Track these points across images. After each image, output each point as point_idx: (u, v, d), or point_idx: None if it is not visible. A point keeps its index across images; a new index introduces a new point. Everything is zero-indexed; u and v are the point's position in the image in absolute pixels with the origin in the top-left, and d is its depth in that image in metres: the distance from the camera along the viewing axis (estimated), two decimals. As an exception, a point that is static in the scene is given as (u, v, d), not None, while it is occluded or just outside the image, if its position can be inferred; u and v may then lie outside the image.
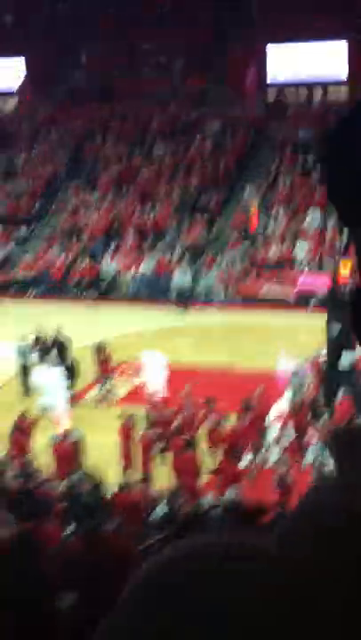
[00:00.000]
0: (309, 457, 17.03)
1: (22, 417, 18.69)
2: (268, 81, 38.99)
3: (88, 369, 22.34)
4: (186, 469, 17.05)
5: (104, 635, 0.88)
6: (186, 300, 29.41)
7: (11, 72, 44.12)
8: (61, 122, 40.15)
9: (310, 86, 38.30)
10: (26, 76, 43.69)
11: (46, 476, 15.26)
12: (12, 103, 43.74)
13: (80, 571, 6.01)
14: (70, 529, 12.15)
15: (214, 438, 17.66)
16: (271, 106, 37.89)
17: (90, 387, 22.84)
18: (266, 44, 38.63)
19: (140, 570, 0.89)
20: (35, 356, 22.64)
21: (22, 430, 18.24)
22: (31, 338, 23.03)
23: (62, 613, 5.53)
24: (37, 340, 23.12)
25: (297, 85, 38.59)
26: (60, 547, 8.53)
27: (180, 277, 29.55)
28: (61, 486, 15.17)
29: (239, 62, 38.56)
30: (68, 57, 42.73)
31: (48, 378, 20.48)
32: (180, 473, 16.98)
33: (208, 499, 14.47)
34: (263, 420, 18.80)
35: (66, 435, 17.89)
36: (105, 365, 22.25)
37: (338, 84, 37.60)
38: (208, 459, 17.32)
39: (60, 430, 18.54)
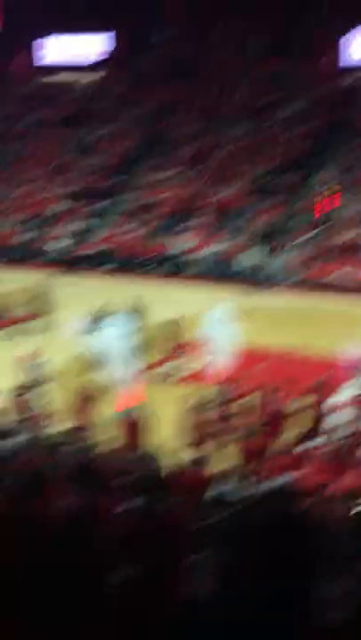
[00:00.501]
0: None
1: (86, 390, 18.87)
2: (347, 64, 38.45)
3: (157, 346, 22.44)
4: (250, 453, 17.06)
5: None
6: (256, 281, 29.33)
7: (90, 49, 44.43)
8: (138, 99, 40.20)
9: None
10: (105, 53, 43.90)
11: (108, 450, 15.39)
12: (90, 79, 43.96)
13: (135, 547, 6.07)
14: (129, 504, 12.26)
15: (281, 423, 17.60)
16: (349, 89, 37.34)
17: (158, 364, 22.96)
18: (346, 28, 38.12)
19: None
20: (104, 331, 22.76)
21: (86, 403, 18.42)
22: (101, 312, 23.16)
23: (116, 589, 5.60)
24: (107, 314, 23.22)
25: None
26: (117, 522, 8.63)
27: (251, 258, 29.44)
28: (122, 461, 15.30)
29: (317, 45, 38.15)
30: (147, 35, 42.76)
31: (117, 353, 20.58)
32: (245, 456, 16.99)
33: (271, 482, 14.45)
34: (330, 405, 18.67)
35: (131, 410, 18.02)
36: (173, 343, 22.32)
37: None
38: (274, 442, 17.27)
39: (126, 406, 18.66)
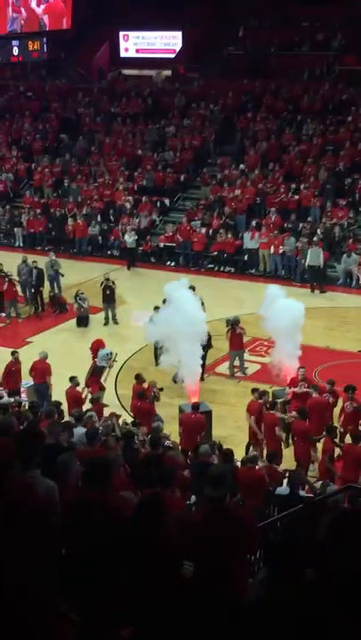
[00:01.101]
0: None
1: (142, 380, 19.00)
2: None
3: (221, 343, 22.51)
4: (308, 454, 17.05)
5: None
6: (321, 281, 29.19)
7: (167, 44, 44.62)
8: (213, 95, 40.23)
9: None
10: (181, 49, 44.02)
11: (173, 444, 15.51)
12: (165, 74, 44.14)
13: (200, 540, 6.14)
14: (193, 498, 12.38)
15: (347, 424, 17.53)
16: None
17: (221, 361, 23.03)
18: None
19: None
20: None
21: (138, 395, 18.55)
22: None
23: (181, 581, 5.68)
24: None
25: None
26: (183, 515, 8.72)
27: (314, 258, 29.28)
28: (187, 456, 15.42)
29: None
30: (225, 30, 42.75)
31: (181, 348, 20.60)
32: (302, 456, 16.97)
33: (332, 484, 14.42)
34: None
35: (195, 406, 18.11)
36: (237, 340, 22.34)
37: None
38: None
39: (190, 401, 18.76)
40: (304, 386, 18.67)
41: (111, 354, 20.89)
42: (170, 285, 20.93)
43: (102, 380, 20.58)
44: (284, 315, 19.78)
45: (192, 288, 21.95)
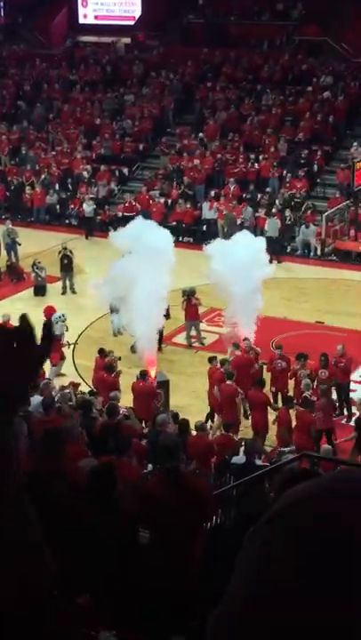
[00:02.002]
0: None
1: (105, 354, 18.97)
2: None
3: (178, 313, 22.51)
4: (269, 422, 17.17)
5: (256, 538, 0.97)
6: (279, 252, 29.23)
7: (126, 11, 44.15)
8: (173, 64, 39.95)
9: None
10: (140, 16, 43.58)
11: (129, 412, 15.52)
12: (124, 42, 43.68)
13: (156, 509, 6.15)
14: (150, 467, 12.41)
15: (299, 393, 17.66)
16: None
17: (178, 331, 23.05)
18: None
19: (295, 492, 0.98)
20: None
21: (106, 367, 18.52)
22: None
23: (138, 549, 5.69)
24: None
25: None
26: (139, 483, 8.73)
27: (273, 229, 29.30)
28: (145, 425, 15.45)
29: (358, 14, 37.69)
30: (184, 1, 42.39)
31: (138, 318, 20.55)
32: (260, 426, 17.10)
33: (288, 450, 14.55)
34: (346, 377, 18.73)
35: (143, 374, 18.11)
36: (192, 311, 22.35)
37: None
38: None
39: (147, 371, 18.76)
40: (253, 354, 18.85)
41: (63, 315, 20.95)
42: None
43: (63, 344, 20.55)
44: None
45: None
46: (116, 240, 20.51)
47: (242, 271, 19.56)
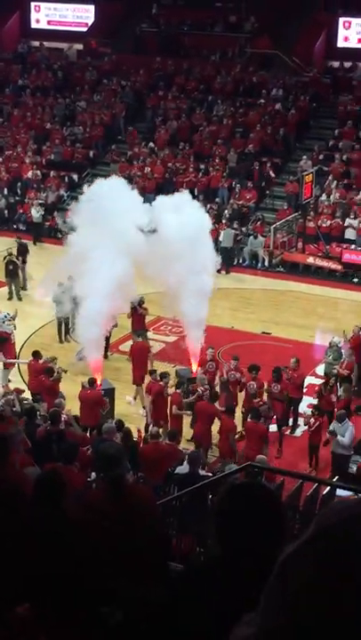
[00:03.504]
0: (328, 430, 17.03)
1: (40, 357, 18.85)
2: (336, 52, 38.39)
3: (125, 322, 22.44)
4: (213, 432, 17.17)
5: (290, 562, 0.93)
6: (229, 262, 29.32)
7: (79, 18, 44.04)
8: (125, 71, 39.95)
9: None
10: (94, 23, 43.52)
11: (69, 419, 15.42)
12: (76, 48, 43.57)
13: (101, 516, 6.10)
14: (94, 475, 12.33)
15: (250, 405, 17.67)
16: (337, 77, 37.28)
17: (124, 339, 22.98)
18: (339, 14, 38.11)
19: (332, 513, 0.94)
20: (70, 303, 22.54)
21: (45, 371, 18.36)
22: (69, 285, 22.89)
23: (83, 557, 5.63)
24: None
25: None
26: (84, 491, 8.67)
27: (225, 240, 29.41)
28: (89, 433, 15.36)
29: (310, 29, 38.09)
30: (139, 7, 42.40)
31: (82, 326, 20.45)
32: (202, 437, 17.08)
33: (232, 462, 14.57)
34: (299, 393, 18.78)
35: (91, 381, 18.02)
36: (138, 320, 22.29)
37: None
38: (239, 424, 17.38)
39: (93, 378, 18.66)
40: (212, 366, 18.82)
41: (9, 314, 20.81)
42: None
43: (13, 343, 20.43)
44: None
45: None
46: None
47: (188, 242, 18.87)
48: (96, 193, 19.04)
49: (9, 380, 19.71)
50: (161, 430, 17.35)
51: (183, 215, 19.11)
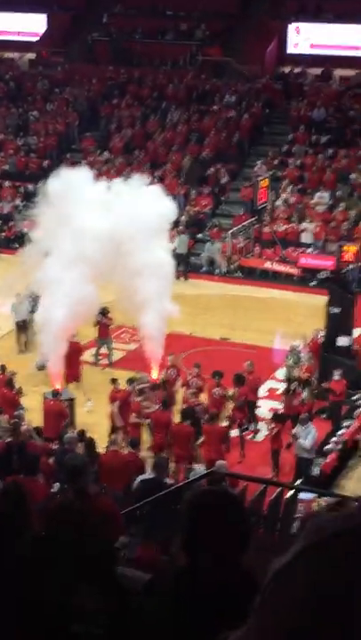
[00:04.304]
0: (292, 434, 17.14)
1: (6, 371, 18.72)
2: (288, 58, 38.67)
3: (87, 330, 22.33)
4: (177, 440, 17.14)
5: (281, 576, 0.92)
6: (185, 269, 29.31)
7: (30, 28, 43.83)
8: (77, 80, 39.88)
9: (329, 65, 37.78)
10: (45, 32, 43.38)
11: (37, 432, 15.33)
12: (29, 58, 43.39)
13: (65, 527, 6.05)
14: (57, 486, 12.25)
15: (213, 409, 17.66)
16: (288, 83, 37.53)
17: (87, 347, 22.88)
18: (289, 21, 38.39)
19: (323, 526, 0.93)
20: (30, 313, 22.39)
21: (8, 385, 18.24)
22: (27, 294, 22.75)
23: (46, 568, 5.57)
24: (33, 297, 22.79)
25: (316, 64, 38.11)
26: (47, 502, 8.60)
27: (180, 246, 29.39)
28: (52, 444, 15.25)
29: (260, 36, 38.30)
30: (90, 16, 42.38)
31: (45, 336, 20.34)
32: (173, 442, 17.05)
33: (197, 468, 14.57)
34: (254, 395, 18.86)
35: (54, 393, 17.94)
36: (103, 330, 22.22)
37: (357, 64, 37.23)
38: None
39: (54, 388, 18.57)
40: (173, 373, 18.82)
41: None
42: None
43: None
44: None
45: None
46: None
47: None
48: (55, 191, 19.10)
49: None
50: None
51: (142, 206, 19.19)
